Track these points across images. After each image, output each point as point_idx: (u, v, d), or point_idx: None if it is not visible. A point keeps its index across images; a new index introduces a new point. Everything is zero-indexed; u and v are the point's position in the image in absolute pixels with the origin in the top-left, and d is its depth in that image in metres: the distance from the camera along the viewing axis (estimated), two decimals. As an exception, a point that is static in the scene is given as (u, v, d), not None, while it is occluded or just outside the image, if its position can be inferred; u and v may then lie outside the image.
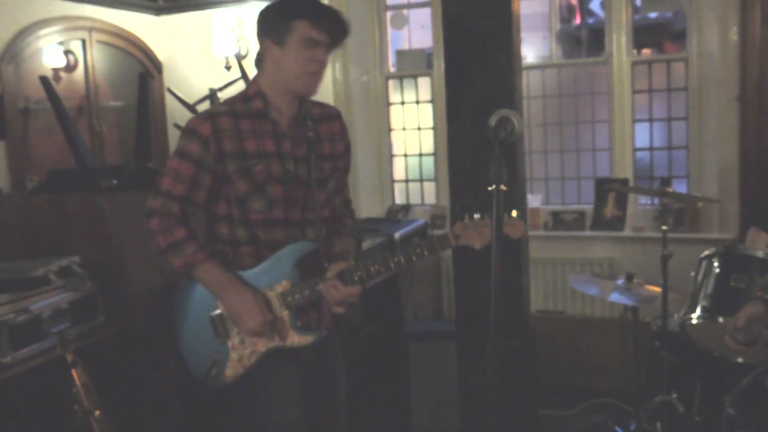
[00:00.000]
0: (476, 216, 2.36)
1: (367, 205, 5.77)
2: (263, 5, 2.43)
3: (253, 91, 2.40)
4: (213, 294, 2.41)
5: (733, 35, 4.75)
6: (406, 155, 6.00)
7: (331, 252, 2.53)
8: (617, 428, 4.04)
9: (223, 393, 2.52)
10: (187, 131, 2.35)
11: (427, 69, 5.79)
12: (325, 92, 5.49)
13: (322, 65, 2.35)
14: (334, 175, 2.55)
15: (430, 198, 5.92)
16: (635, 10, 5.25)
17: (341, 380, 2.66)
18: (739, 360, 3.39)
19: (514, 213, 2.28)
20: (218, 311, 2.43)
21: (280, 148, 2.39)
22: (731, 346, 2.03)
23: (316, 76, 2.36)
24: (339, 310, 2.44)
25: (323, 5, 2.35)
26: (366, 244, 4.51)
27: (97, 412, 2.55)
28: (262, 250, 2.41)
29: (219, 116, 2.34)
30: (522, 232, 2.32)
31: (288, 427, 2.44)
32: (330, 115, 2.58)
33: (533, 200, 5.43)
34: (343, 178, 2.63)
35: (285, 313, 2.41)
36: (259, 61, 2.42)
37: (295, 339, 2.43)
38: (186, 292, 2.51)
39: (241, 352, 2.43)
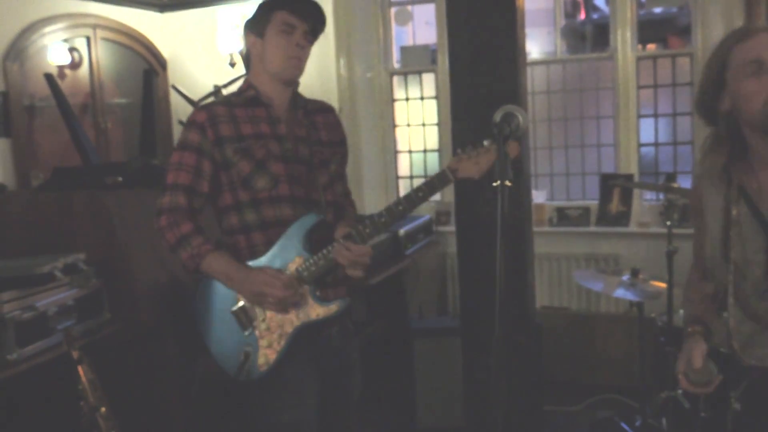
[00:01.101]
0: (469, 147, 2.35)
1: (371, 202, 5.76)
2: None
3: (245, 85, 2.51)
4: (223, 283, 2.41)
5: (739, 30, 4.73)
6: (410, 151, 6.00)
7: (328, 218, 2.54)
8: (623, 424, 4.03)
9: (237, 390, 2.52)
10: (186, 125, 2.45)
11: (432, 65, 5.79)
12: (330, 88, 5.49)
13: (302, 50, 2.42)
14: (335, 159, 2.59)
15: (435, 194, 5.91)
16: (640, 5, 5.25)
17: (356, 381, 2.66)
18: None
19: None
20: (239, 304, 2.42)
21: (276, 130, 2.45)
22: (690, 389, 2.00)
23: (297, 60, 2.43)
24: (356, 273, 2.41)
25: None
26: (370, 241, 4.50)
27: (103, 409, 2.55)
28: (271, 235, 2.42)
29: (214, 106, 2.45)
30: (517, 151, 2.25)
31: (300, 426, 2.44)
32: (325, 108, 2.67)
33: (538, 196, 5.42)
34: (342, 166, 2.67)
35: (305, 288, 2.40)
36: (247, 61, 2.53)
37: (320, 311, 2.41)
38: (204, 294, 2.49)
39: (269, 338, 2.40)
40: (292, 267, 2.40)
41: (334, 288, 2.50)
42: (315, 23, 2.44)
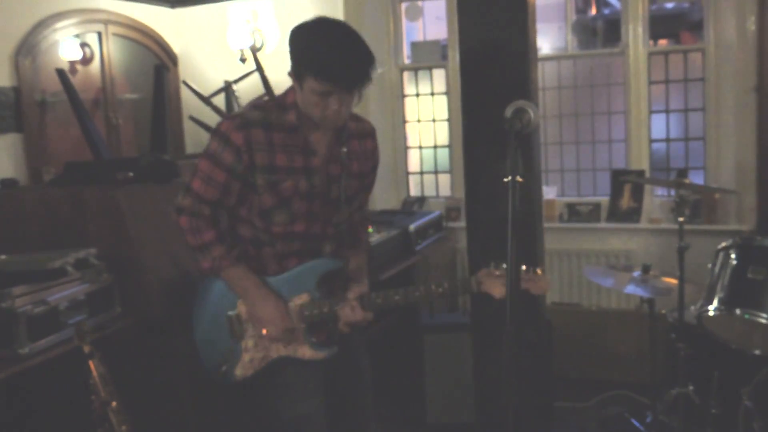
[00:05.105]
0: (504, 266, 2.32)
1: (382, 197, 5.76)
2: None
3: (290, 101, 2.34)
4: (237, 296, 2.45)
5: (751, 25, 4.71)
6: (420, 147, 6.00)
7: (346, 266, 2.55)
8: (633, 420, 4.02)
9: (242, 383, 2.54)
10: (221, 137, 2.30)
11: (442, 60, 5.78)
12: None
13: (337, 109, 2.25)
14: (361, 194, 2.57)
15: (445, 190, 5.92)
16: (651, 0, 5.21)
17: (365, 364, 2.69)
18: (757, 352, 3.37)
19: (539, 271, 2.28)
20: (236, 311, 2.47)
21: (309, 163, 2.36)
22: None
23: (336, 114, 2.26)
24: (346, 330, 2.45)
25: (337, 58, 2.19)
26: (381, 236, 4.51)
27: (114, 403, 2.56)
28: (281, 258, 2.44)
29: (252, 127, 2.29)
30: (545, 290, 2.31)
31: (308, 417, 2.46)
32: (365, 132, 2.58)
33: (549, 192, 5.41)
34: (366, 196, 2.66)
35: (301, 327, 2.44)
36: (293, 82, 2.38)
37: (307, 353, 2.46)
38: (208, 286, 2.53)
39: (253, 355, 2.47)
40: (297, 302, 2.44)
41: (332, 334, 2.52)
42: (352, 86, 2.23)
